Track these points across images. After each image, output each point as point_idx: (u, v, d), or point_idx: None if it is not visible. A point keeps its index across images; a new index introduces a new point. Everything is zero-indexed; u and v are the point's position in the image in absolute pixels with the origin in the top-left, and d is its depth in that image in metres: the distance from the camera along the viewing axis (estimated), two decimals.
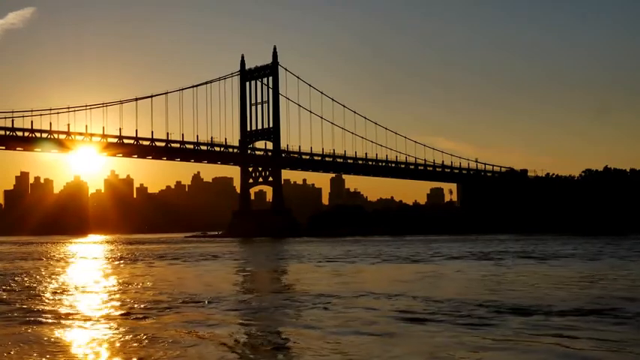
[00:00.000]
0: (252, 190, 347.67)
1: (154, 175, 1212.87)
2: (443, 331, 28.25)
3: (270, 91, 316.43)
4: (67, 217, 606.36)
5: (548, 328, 28.41)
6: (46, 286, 54.00)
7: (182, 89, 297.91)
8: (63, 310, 37.45)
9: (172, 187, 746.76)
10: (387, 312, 33.99)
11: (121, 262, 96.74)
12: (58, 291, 49.83)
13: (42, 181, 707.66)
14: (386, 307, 36.12)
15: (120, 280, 59.74)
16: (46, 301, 42.74)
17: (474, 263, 75.16)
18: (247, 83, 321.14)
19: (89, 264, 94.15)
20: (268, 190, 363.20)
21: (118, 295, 45.57)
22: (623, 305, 34.39)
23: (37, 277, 66.10)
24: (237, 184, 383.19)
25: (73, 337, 28.84)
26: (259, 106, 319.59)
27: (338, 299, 40.12)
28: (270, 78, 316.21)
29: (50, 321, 33.29)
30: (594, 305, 34.83)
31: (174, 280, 60.66)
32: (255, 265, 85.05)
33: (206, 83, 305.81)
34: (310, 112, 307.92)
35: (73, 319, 34.05)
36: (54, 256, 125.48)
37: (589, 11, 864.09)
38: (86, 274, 71.28)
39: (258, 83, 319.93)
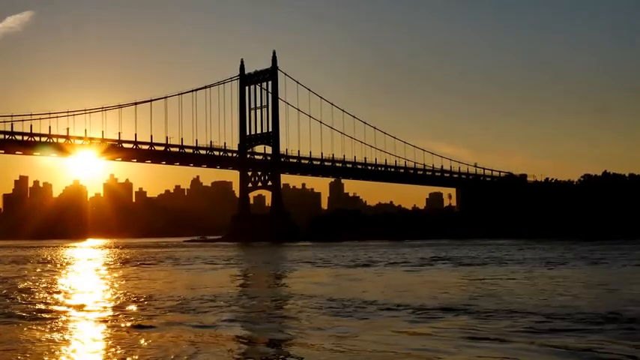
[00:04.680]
0: (252, 195, 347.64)
1: (153, 180, 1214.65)
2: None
3: (270, 95, 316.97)
4: (66, 221, 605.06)
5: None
6: (28, 290, 54.00)
7: (181, 93, 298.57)
8: (42, 312, 37.50)
9: (171, 191, 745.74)
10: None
11: (114, 265, 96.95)
12: (43, 293, 49.83)
13: (41, 185, 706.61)
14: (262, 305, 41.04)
15: (107, 284, 60.16)
16: (25, 303, 42.74)
17: (414, 268, 78.26)
18: (247, 87, 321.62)
19: (82, 268, 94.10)
20: (267, 195, 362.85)
21: (104, 298, 45.76)
22: (459, 305, 38.30)
23: (21, 281, 66.16)
24: (236, 188, 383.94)
25: (50, 339, 28.79)
26: (259, 111, 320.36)
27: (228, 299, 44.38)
28: (270, 82, 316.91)
29: (28, 322, 33.36)
30: (439, 303, 39.64)
31: (150, 283, 61.22)
32: (195, 269, 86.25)
33: (205, 87, 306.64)
34: (309, 116, 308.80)
35: (52, 320, 34.23)
36: (49, 260, 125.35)
37: (589, 14, 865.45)
38: (77, 278, 71.43)
39: (258, 88, 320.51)
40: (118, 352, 26.18)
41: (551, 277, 61.19)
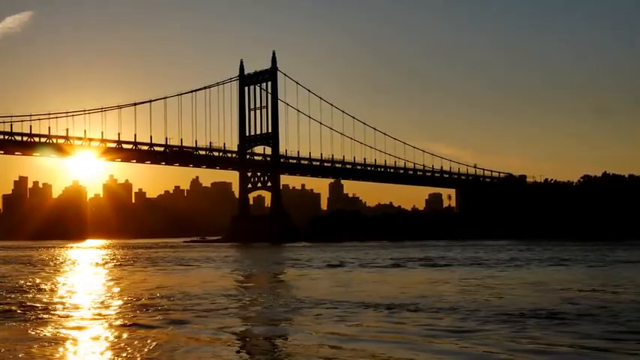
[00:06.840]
0: (251, 195, 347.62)
1: (152, 180, 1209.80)
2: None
3: (269, 96, 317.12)
4: (66, 221, 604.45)
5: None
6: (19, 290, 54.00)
7: (181, 94, 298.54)
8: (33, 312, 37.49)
9: (171, 192, 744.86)
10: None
11: (110, 266, 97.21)
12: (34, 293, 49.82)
13: (40, 185, 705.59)
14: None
15: (100, 285, 60.40)
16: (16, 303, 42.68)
17: (385, 269, 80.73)
18: (246, 88, 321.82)
19: (78, 268, 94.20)
20: (267, 196, 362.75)
21: (95, 298, 45.83)
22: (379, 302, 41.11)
23: (12, 281, 66.21)
24: (235, 189, 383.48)
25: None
26: (258, 111, 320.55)
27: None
28: (269, 83, 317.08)
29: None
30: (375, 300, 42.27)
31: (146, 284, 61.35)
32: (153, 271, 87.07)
33: (205, 88, 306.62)
34: (309, 117, 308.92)
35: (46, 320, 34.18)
36: (46, 261, 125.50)
37: (589, 14, 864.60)
38: (70, 279, 71.56)
39: (257, 88, 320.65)
40: (107, 352, 26.13)
41: (506, 277, 62.64)
